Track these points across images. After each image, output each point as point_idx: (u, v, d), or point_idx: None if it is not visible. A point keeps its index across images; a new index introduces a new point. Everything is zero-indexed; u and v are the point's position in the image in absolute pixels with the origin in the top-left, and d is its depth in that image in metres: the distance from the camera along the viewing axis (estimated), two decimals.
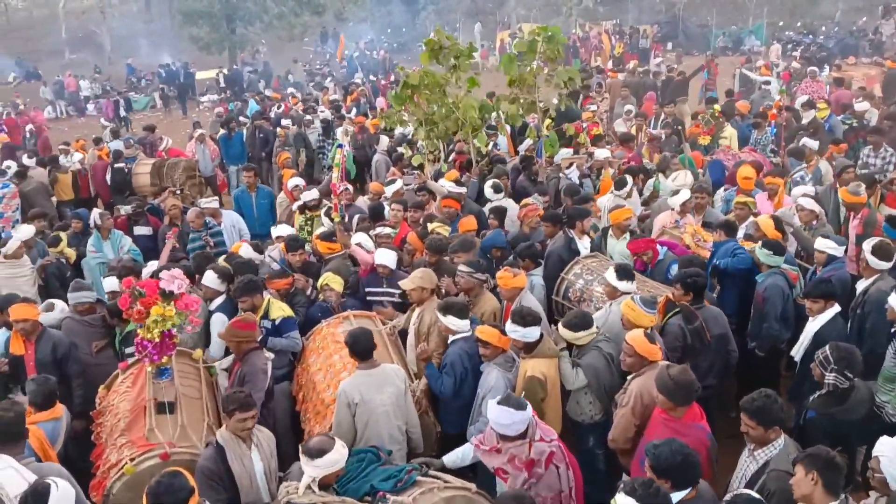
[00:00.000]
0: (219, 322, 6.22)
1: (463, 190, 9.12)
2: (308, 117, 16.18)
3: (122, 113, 25.90)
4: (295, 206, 9.39)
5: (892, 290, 5.52)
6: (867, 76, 18.94)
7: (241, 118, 17.22)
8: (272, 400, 5.57)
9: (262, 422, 4.88)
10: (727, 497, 3.59)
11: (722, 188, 9.62)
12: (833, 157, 10.16)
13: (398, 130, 13.32)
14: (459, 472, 4.64)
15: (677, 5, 36.61)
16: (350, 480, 4.32)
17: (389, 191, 9.59)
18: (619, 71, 22.10)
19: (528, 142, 11.85)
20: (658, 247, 7.10)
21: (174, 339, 5.26)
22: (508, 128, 12.09)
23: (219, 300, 6.50)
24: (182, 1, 35.25)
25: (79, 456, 5.30)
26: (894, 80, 16.94)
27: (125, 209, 10.06)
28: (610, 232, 7.84)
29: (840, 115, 12.98)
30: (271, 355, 5.61)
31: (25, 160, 13.50)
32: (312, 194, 9.25)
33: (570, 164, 10.16)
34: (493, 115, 11.05)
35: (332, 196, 7.96)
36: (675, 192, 8.39)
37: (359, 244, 7.14)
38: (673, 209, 8.17)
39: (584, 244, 7.39)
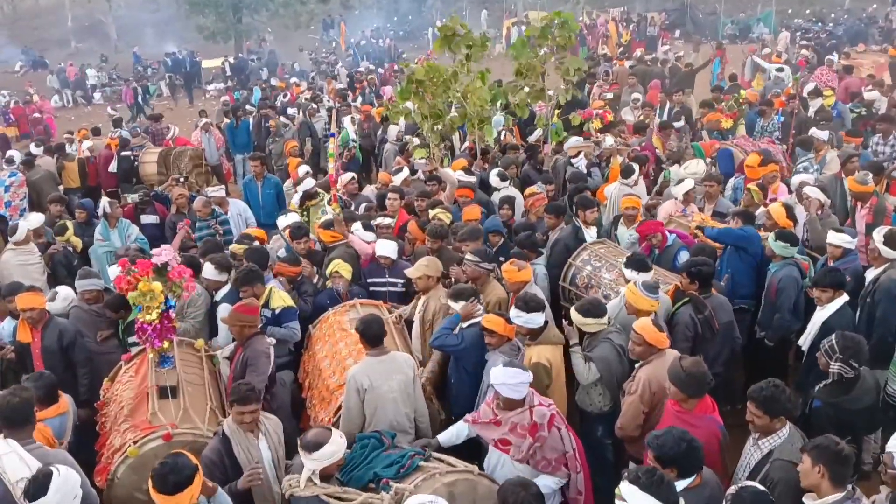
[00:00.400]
0: (224, 311, 6.21)
1: (474, 179, 9.11)
2: (314, 105, 16.16)
3: (141, 101, 26.02)
4: (294, 199, 9.39)
5: None
6: (876, 63, 18.79)
7: (248, 107, 17.22)
8: (276, 385, 5.58)
9: (265, 407, 4.88)
10: (732, 489, 3.57)
11: (733, 177, 9.56)
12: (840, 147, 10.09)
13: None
14: (465, 457, 4.64)
15: None
16: (354, 468, 4.33)
17: (397, 179, 9.59)
18: (626, 59, 21.95)
19: (538, 132, 11.80)
20: (667, 233, 7.06)
21: (173, 322, 5.29)
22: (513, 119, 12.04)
23: (224, 290, 6.50)
24: None
25: (82, 447, 5.28)
26: None
27: (132, 197, 10.06)
28: (621, 220, 7.81)
29: (849, 104, 12.88)
30: (273, 340, 5.62)
31: (33, 148, 13.52)
32: (309, 184, 9.26)
33: (578, 153, 10.11)
34: (500, 102, 10.99)
35: (331, 187, 7.96)
36: (681, 181, 8.35)
37: (354, 234, 7.15)
38: (676, 198, 8.12)
39: (590, 233, 7.37)
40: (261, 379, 5.11)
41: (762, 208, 7.54)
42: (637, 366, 4.99)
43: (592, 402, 5.39)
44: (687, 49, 24.52)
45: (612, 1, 36.90)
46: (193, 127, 15.92)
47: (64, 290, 6.65)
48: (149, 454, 4.56)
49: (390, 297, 6.79)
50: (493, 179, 9.07)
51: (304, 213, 9.03)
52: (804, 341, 5.77)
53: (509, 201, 8.32)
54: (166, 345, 5.28)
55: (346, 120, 14.76)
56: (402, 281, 6.86)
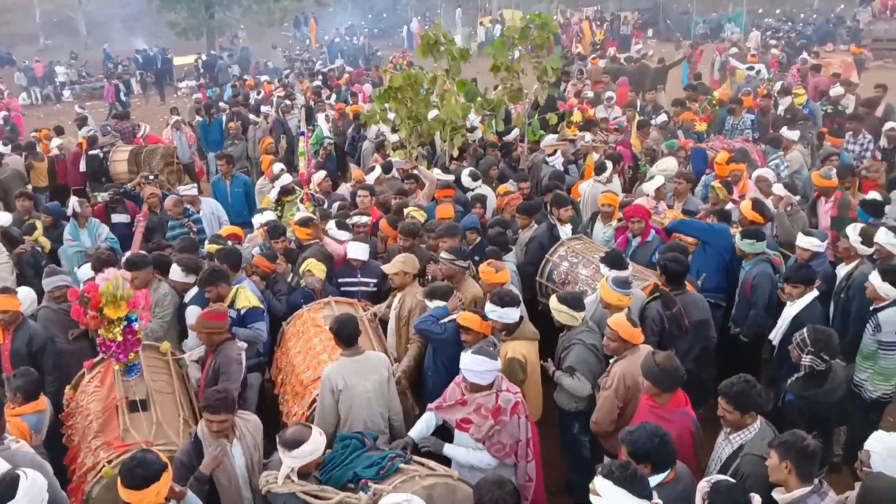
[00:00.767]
0: (193, 313, 6.02)
1: (451, 178, 9.11)
2: (287, 102, 16.05)
3: (124, 98, 25.65)
4: (272, 193, 9.30)
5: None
6: (844, 63, 19.09)
7: (221, 104, 17.06)
8: (247, 389, 5.52)
9: (239, 406, 4.79)
10: (704, 483, 3.59)
11: (704, 174, 9.65)
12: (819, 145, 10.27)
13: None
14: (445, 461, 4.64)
15: None
16: (335, 467, 4.30)
17: (370, 178, 9.55)
18: (599, 57, 22.11)
19: (515, 131, 11.83)
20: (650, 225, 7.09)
21: (137, 334, 5.09)
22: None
23: (192, 292, 6.35)
24: None
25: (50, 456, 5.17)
26: (861, 64, 17.16)
27: (102, 196, 9.87)
28: (598, 217, 7.84)
29: (818, 102, 13.08)
30: (244, 345, 5.51)
31: (0, 147, 13.26)
32: (286, 179, 9.19)
33: (555, 151, 10.15)
34: (478, 100, 11.00)
35: (303, 186, 7.89)
36: (652, 178, 8.41)
37: (328, 234, 7.11)
38: (648, 195, 8.18)
39: (565, 231, 7.40)
40: (234, 387, 5.02)
41: (731, 205, 7.61)
42: (612, 361, 5.02)
43: (570, 401, 5.39)
44: (669, 48, 24.75)
45: (585, 0, 37.11)
46: (165, 125, 15.71)
47: (24, 291, 6.39)
48: None
49: (362, 297, 6.74)
50: (465, 179, 9.07)
51: (279, 207, 8.97)
52: (775, 336, 5.83)
53: (481, 199, 8.31)
54: (132, 356, 5.10)
55: (321, 117, 14.69)
56: (374, 280, 6.86)
